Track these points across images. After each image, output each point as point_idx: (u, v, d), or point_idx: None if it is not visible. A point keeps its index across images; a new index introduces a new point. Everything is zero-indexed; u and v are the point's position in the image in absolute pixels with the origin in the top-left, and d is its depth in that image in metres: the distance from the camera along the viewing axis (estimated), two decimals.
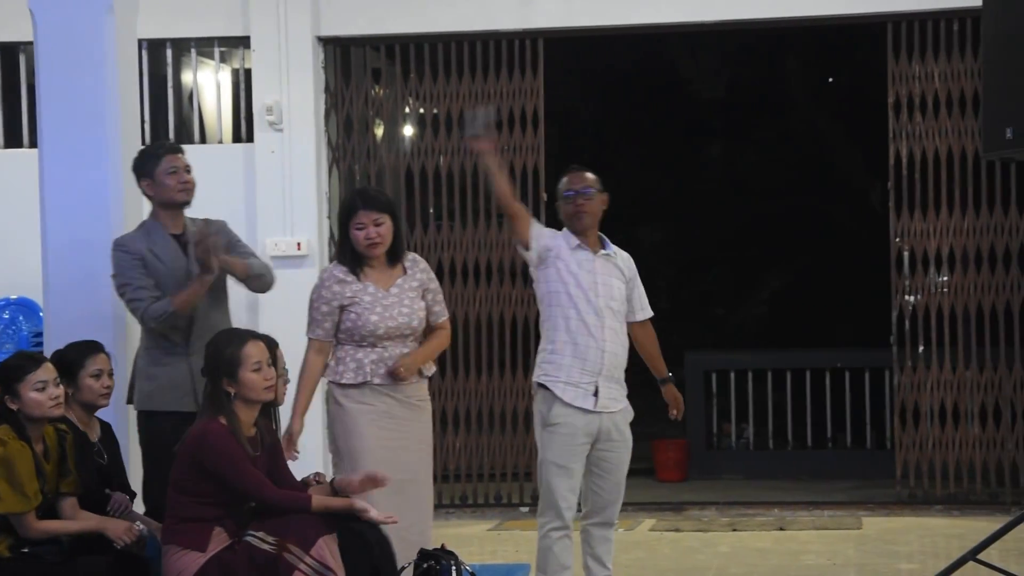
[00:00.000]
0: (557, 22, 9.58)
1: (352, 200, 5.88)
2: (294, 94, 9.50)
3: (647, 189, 15.08)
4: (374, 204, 5.80)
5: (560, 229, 6.22)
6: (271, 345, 5.37)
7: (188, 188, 6.08)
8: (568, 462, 6.01)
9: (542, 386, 6.08)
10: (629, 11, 9.45)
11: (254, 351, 5.22)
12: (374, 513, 5.19)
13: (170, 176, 6.04)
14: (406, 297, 5.85)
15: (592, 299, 6.05)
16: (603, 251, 6.18)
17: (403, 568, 5.46)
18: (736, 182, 15.39)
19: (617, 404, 6.13)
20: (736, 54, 14.04)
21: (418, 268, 5.94)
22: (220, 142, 9.83)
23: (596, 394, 6.04)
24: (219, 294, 6.14)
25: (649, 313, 6.34)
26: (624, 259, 6.28)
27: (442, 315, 6.00)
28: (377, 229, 5.76)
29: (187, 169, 6.09)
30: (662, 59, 14.08)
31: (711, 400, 11.57)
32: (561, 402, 6.01)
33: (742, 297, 15.57)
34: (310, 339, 5.82)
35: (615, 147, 15.06)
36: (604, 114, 15.16)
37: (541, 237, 6.09)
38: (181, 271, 6.00)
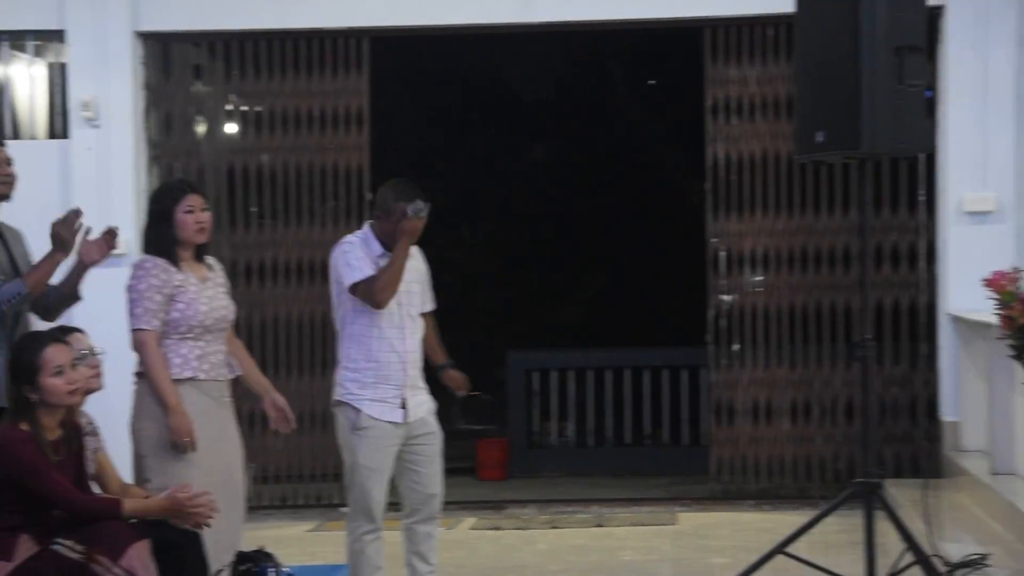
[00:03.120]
0: (382, 21, 9.57)
1: (178, 184, 5.91)
2: (112, 90, 9.35)
3: (471, 188, 15.15)
4: (199, 191, 5.84)
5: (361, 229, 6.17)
6: (68, 333, 5.26)
7: (8, 181, 5.86)
8: (380, 464, 5.99)
9: (347, 404, 6.02)
10: (453, 11, 9.49)
11: (54, 355, 5.06)
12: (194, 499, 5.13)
13: None
14: (220, 292, 5.86)
15: (396, 312, 6.00)
16: None
17: (219, 571, 5.41)
18: (559, 182, 15.53)
19: (423, 408, 6.12)
20: (560, 56, 14.17)
21: (219, 268, 5.96)
22: (34, 138, 9.61)
23: (404, 407, 6.03)
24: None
25: (432, 306, 6.27)
26: (417, 257, 6.21)
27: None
28: (205, 215, 5.75)
29: (8, 162, 5.88)
30: (488, 60, 14.15)
31: (532, 399, 11.68)
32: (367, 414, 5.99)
33: (564, 296, 15.71)
34: (146, 331, 5.63)
35: (440, 146, 15.08)
36: (430, 113, 15.17)
37: (365, 271, 5.98)
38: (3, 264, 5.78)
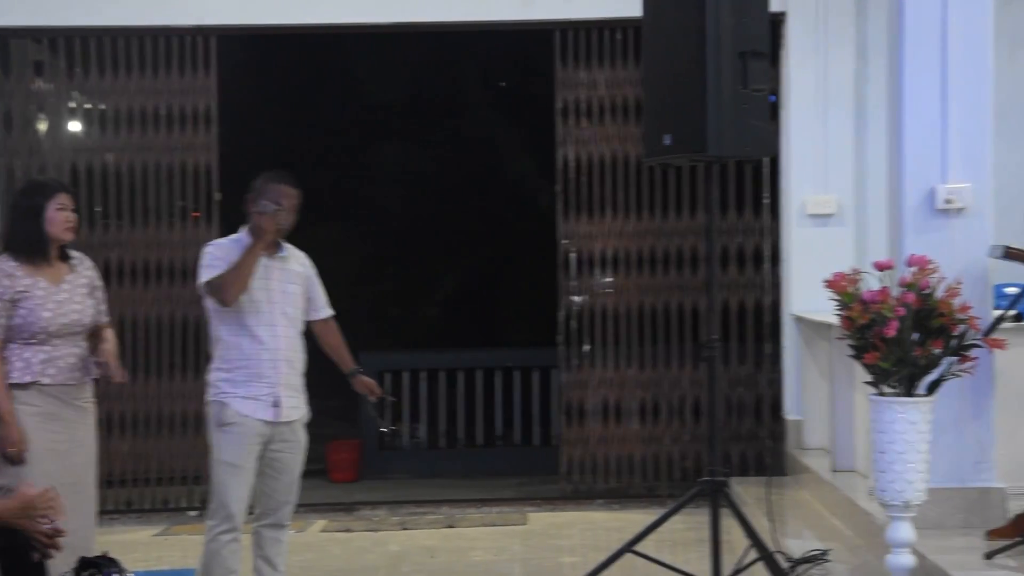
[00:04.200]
0: (231, 19, 9.47)
1: (53, 182, 5.92)
2: None
3: (324, 189, 15.05)
4: (70, 191, 5.83)
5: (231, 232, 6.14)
6: None
7: None
8: (241, 462, 5.93)
9: (217, 401, 5.97)
10: (304, 11, 9.43)
11: None
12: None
13: None
14: (77, 294, 5.75)
15: (265, 310, 5.96)
16: (279, 254, 6.09)
17: None
18: (411, 183, 15.53)
19: (297, 411, 6.08)
20: (412, 57, 14.17)
21: (84, 266, 5.86)
22: None
23: (277, 405, 5.99)
24: None
25: (330, 311, 6.30)
26: (300, 259, 6.21)
27: (106, 315, 5.92)
28: (73, 214, 5.74)
29: None
30: (339, 59, 14.09)
31: (384, 400, 11.60)
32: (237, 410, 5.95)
33: (417, 298, 15.71)
34: None
35: (293, 146, 14.97)
36: (281, 113, 15.06)
37: (220, 269, 5.94)
38: None
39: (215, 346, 6.05)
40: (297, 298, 6.12)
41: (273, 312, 5.99)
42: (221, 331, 5.99)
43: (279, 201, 5.97)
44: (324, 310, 6.29)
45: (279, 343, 5.99)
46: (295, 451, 6.11)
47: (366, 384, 6.32)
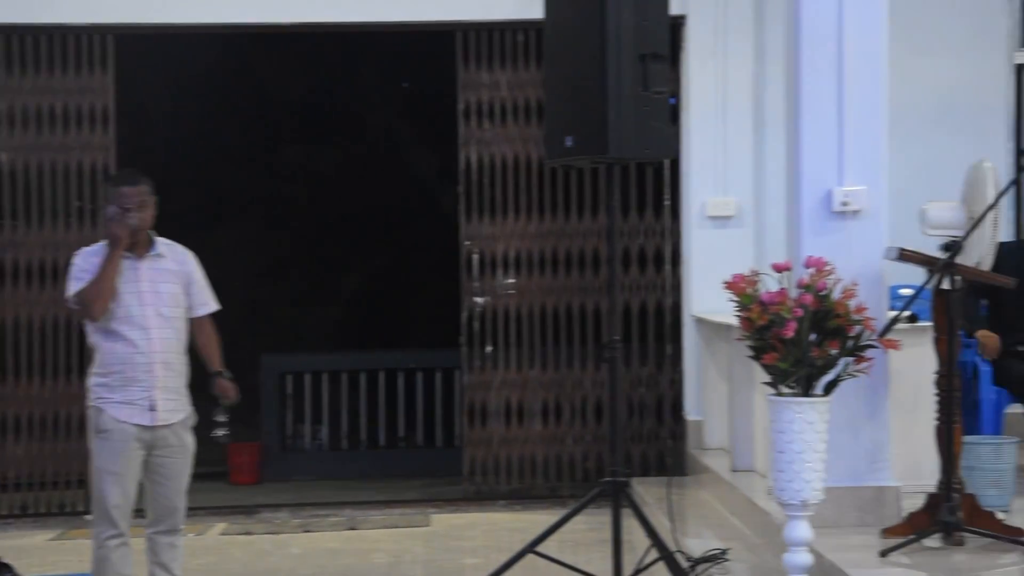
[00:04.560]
0: (128, 17, 9.35)
1: None
2: None
3: (224, 189, 14.92)
4: None
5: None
6: None
7: None
8: (120, 468, 5.83)
9: (94, 407, 5.88)
10: (204, 10, 9.33)
11: None
12: None
13: None
14: None
15: (136, 313, 5.83)
16: (151, 253, 5.95)
17: None
18: (312, 183, 15.43)
19: (177, 415, 5.96)
20: (313, 56, 14.08)
21: None
22: None
23: (153, 409, 5.87)
24: None
25: (209, 308, 6.11)
26: (178, 256, 6.05)
27: None
28: None
29: None
30: (240, 58, 13.95)
31: (286, 402, 11.57)
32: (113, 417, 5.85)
33: (319, 299, 15.61)
34: None
35: (191, 146, 14.80)
36: (179, 112, 14.88)
37: (84, 282, 5.82)
38: None
39: (93, 352, 5.95)
40: (173, 297, 5.96)
41: (145, 314, 5.85)
42: (96, 336, 5.88)
43: (124, 204, 5.82)
44: (202, 308, 6.09)
45: (153, 345, 5.85)
46: (180, 455, 5.99)
47: (224, 387, 6.09)
